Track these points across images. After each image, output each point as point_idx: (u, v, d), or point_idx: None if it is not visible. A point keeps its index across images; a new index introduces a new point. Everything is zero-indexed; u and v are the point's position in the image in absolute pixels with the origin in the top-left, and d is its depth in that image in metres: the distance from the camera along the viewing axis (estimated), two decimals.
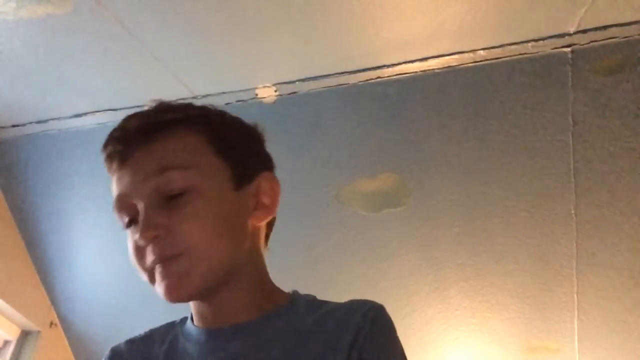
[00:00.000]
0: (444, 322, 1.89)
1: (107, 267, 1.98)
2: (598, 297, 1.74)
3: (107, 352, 0.76)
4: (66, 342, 2.16)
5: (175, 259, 0.63)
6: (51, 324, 2.09)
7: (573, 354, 1.87)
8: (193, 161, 0.66)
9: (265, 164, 0.75)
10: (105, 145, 0.69)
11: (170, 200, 0.64)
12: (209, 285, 0.65)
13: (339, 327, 0.66)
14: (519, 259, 1.73)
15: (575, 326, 1.81)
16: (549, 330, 1.84)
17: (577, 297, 1.76)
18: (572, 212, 1.62)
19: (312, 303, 0.72)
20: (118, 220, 0.69)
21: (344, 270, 1.80)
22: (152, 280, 0.66)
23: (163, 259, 0.63)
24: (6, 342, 2.03)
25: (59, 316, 2.11)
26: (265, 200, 0.71)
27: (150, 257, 0.64)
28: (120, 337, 0.78)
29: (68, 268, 2.01)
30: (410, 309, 1.87)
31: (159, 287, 0.64)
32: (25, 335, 2.06)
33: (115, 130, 0.70)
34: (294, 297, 0.73)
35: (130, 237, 0.66)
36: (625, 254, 1.66)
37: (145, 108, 0.73)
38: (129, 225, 0.67)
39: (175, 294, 0.64)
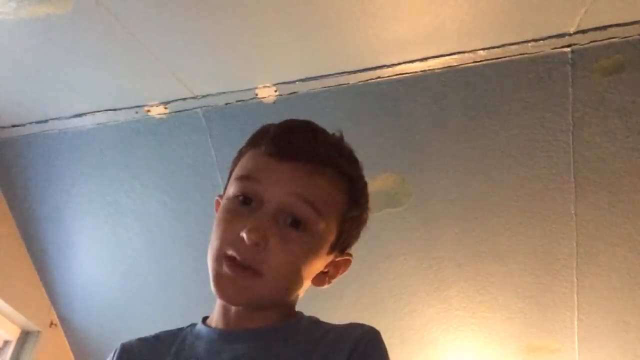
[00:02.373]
0: (444, 322, 1.89)
1: (107, 267, 1.98)
2: (598, 297, 1.74)
3: (117, 346, 0.78)
4: (66, 342, 2.16)
5: (254, 274, 0.67)
6: (51, 324, 2.09)
7: (573, 354, 1.87)
8: (328, 214, 0.70)
9: (352, 245, 0.79)
10: (289, 134, 0.72)
11: (289, 224, 0.68)
12: (259, 305, 0.70)
13: (337, 345, 0.69)
14: (519, 259, 1.73)
15: (575, 326, 1.81)
16: (549, 330, 1.84)
17: (577, 297, 1.76)
18: (572, 212, 1.62)
19: (315, 322, 0.77)
20: (234, 183, 0.71)
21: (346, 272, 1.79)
22: (217, 259, 0.68)
23: (244, 266, 0.67)
24: (6, 342, 2.03)
25: (59, 316, 2.11)
26: (330, 271, 0.76)
27: (238, 250, 0.66)
28: (120, 337, 0.78)
29: (68, 268, 2.01)
30: (410, 309, 1.87)
31: (217, 277, 0.68)
32: (25, 335, 2.06)
33: (303, 132, 0.73)
34: (300, 316, 0.77)
35: (232, 211, 0.69)
36: (625, 254, 1.66)
37: (336, 135, 0.76)
38: (243, 200, 0.69)
39: (222, 294, 0.68)
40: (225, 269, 0.67)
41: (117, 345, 0.78)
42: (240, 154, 0.76)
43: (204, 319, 0.77)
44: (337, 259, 0.76)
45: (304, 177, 0.69)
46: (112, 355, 0.77)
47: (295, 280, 0.70)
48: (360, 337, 0.69)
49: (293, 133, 0.72)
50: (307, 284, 0.74)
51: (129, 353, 0.76)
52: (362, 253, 1.78)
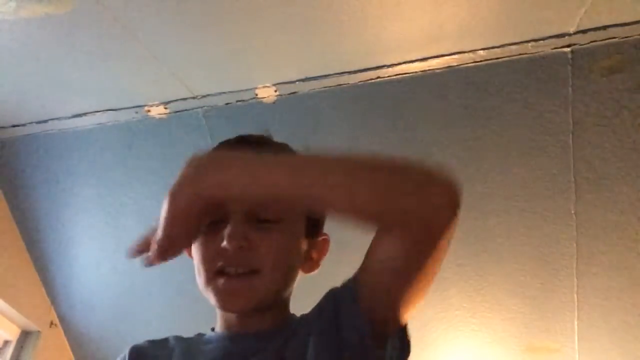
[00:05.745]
0: (444, 322, 1.89)
1: (107, 267, 1.98)
2: (598, 297, 1.74)
3: (126, 349, 0.79)
4: (66, 342, 2.16)
5: (248, 276, 0.70)
6: (51, 324, 2.09)
7: (573, 354, 1.87)
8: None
9: (324, 225, 0.83)
10: (220, 148, 0.78)
11: (260, 222, 0.71)
12: (260, 306, 0.72)
13: (315, 324, 0.71)
14: (519, 259, 1.73)
15: (575, 326, 1.81)
16: (549, 330, 1.84)
17: (577, 297, 1.76)
18: (572, 212, 1.62)
19: (301, 318, 0.79)
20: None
21: (344, 270, 1.79)
22: (209, 281, 0.71)
23: (239, 273, 0.69)
24: (6, 342, 2.03)
25: (59, 316, 2.11)
26: (314, 255, 0.80)
27: (226, 261, 0.70)
28: (119, 337, 0.79)
29: (68, 268, 2.01)
30: None
31: (218, 294, 0.70)
32: (25, 335, 2.06)
33: (231, 141, 0.79)
34: (293, 316, 0.80)
35: (205, 235, 0.71)
36: (625, 254, 1.66)
37: (255, 135, 0.81)
38: (210, 223, 0.71)
39: (230, 306, 0.72)
40: (222, 281, 0.70)
41: (126, 349, 0.79)
42: None
43: (212, 330, 0.80)
44: (316, 240, 0.80)
45: None
46: (122, 356, 0.78)
47: (287, 270, 0.74)
48: (323, 306, 0.72)
49: (223, 147, 0.78)
50: (296, 274, 0.77)
51: (139, 354, 0.77)
52: (362, 253, 1.78)
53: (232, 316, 0.75)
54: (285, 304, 0.78)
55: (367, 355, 0.65)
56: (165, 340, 0.79)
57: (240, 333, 0.74)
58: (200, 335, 0.80)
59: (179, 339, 0.79)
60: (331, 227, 0.81)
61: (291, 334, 0.72)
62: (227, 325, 0.76)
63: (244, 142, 0.79)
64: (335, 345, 0.66)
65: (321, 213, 0.78)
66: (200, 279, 0.73)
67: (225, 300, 0.70)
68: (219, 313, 0.77)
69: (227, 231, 0.69)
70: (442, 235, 0.62)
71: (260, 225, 0.71)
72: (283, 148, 0.81)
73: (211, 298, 0.71)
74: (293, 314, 0.79)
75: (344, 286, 0.70)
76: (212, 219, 0.71)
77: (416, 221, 0.60)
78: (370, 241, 0.66)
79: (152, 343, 0.79)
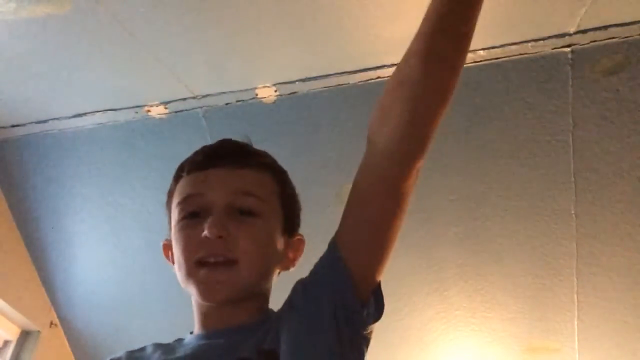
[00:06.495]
0: (444, 322, 1.89)
1: (107, 267, 1.98)
2: (598, 297, 1.74)
3: None
4: (66, 342, 2.15)
5: (229, 266, 0.72)
6: (51, 324, 2.09)
7: (573, 354, 1.87)
8: (267, 197, 0.78)
9: (299, 226, 0.87)
10: (202, 150, 0.82)
11: (240, 214, 0.75)
12: (241, 297, 0.74)
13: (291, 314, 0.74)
14: (519, 259, 1.73)
15: (575, 326, 1.81)
16: (549, 330, 1.84)
17: (577, 297, 1.76)
18: (572, 212, 1.62)
19: (278, 313, 0.81)
20: (177, 209, 0.77)
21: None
22: (190, 273, 0.73)
23: (219, 262, 0.72)
24: (6, 342, 2.03)
25: (59, 316, 2.11)
26: (291, 255, 0.82)
27: (207, 251, 0.72)
28: (119, 337, 0.79)
29: (68, 268, 2.01)
30: (410, 309, 1.87)
31: (200, 285, 0.72)
32: (25, 335, 2.05)
33: (211, 144, 0.83)
34: (272, 311, 0.81)
35: (186, 227, 0.75)
36: (625, 254, 1.66)
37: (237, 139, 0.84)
38: (191, 216, 0.75)
39: (212, 296, 0.73)
40: (202, 272, 0.72)
41: None
42: (170, 194, 0.83)
43: (190, 333, 0.80)
44: (292, 240, 0.82)
45: (233, 175, 0.77)
46: None
47: (265, 262, 0.76)
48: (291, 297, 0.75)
49: (204, 149, 0.82)
50: (275, 269, 0.79)
51: None
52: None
53: (210, 311, 0.76)
54: (264, 298, 0.80)
55: (352, 316, 0.69)
56: (143, 348, 0.80)
57: (219, 329, 0.75)
58: (179, 340, 0.80)
59: (157, 345, 0.80)
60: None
61: (270, 327, 0.73)
62: (206, 323, 0.76)
63: (224, 147, 0.82)
64: (316, 323, 0.69)
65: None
66: (181, 271, 0.75)
67: (206, 290, 0.72)
68: (197, 311, 0.78)
69: (208, 221, 0.72)
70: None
71: (241, 218, 0.74)
72: (264, 155, 0.84)
73: (192, 290, 0.73)
74: (272, 310, 0.80)
75: (322, 257, 0.74)
76: (190, 210, 0.75)
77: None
78: (354, 192, 0.73)
79: (130, 353, 0.80)
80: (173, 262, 0.80)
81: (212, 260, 0.72)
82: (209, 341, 0.74)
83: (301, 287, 0.74)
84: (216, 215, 0.73)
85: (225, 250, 0.72)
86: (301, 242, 0.84)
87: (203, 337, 0.76)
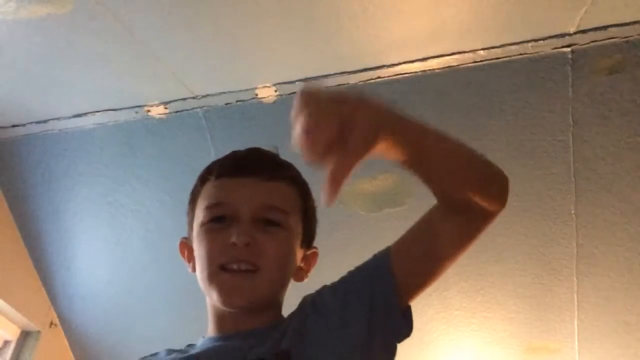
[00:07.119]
0: (444, 322, 1.89)
1: (107, 267, 1.98)
2: (598, 297, 1.74)
3: None
4: (66, 342, 2.15)
5: (251, 274, 0.74)
6: (51, 324, 2.09)
7: (573, 354, 1.87)
8: (291, 210, 0.81)
9: (314, 239, 0.89)
10: (232, 156, 0.85)
11: (265, 225, 0.78)
12: (258, 305, 0.76)
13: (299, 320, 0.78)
14: (519, 259, 1.73)
15: (575, 326, 1.81)
16: (549, 330, 1.84)
17: (577, 297, 1.76)
18: (572, 212, 1.62)
19: (288, 317, 0.83)
20: (203, 212, 0.79)
21: (344, 270, 1.79)
22: (213, 276, 0.75)
23: (243, 269, 0.74)
24: (6, 342, 2.03)
25: (59, 316, 2.11)
26: (305, 267, 0.85)
27: (232, 257, 0.74)
28: (120, 337, 0.79)
29: (68, 268, 2.01)
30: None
31: (221, 290, 0.74)
32: (25, 335, 2.05)
33: (241, 152, 0.86)
34: (284, 317, 0.83)
35: (211, 231, 0.78)
36: (625, 254, 1.66)
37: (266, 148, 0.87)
38: (217, 220, 0.78)
39: (233, 301, 0.75)
40: (225, 276, 0.74)
41: None
42: (194, 194, 0.85)
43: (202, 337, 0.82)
44: (307, 253, 0.85)
45: (261, 187, 0.80)
46: None
47: (285, 272, 0.79)
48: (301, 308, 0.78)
49: (235, 155, 0.85)
50: (290, 279, 0.82)
51: None
52: (362, 253, 1.78)
53: (227, 316, 0.77)
54: (278, 307, 0.82)
55: (388, 322, 0.73)
56: (156, 354, 0.81)
57: (234, 332, 0.76)
58: (190, 345, 0.82)
59: (170, 351, 0.81)
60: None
61: (285, 329, 0.74)
62: (220, 328, 0.78)
63: (254, 157, 0.84)
64: (348, 325, 0.72)
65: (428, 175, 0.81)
66: (203, 274, 0.76)
67: (227, 295, 0.74)
68: (212, 314, 0.79)
69: (237, 229, 0.75)
70: (491, 221, 0.79)
71: (266, 229, 0.77)
72: (291, 168, 0.86)
73: (213, 294, 0.75)
74: (283, 315, 0.82)
75: (367, 264, 0.79)
76: (218, 215, 0.78)
77: (486, 203, 0.74)
78: (425, 216, 0.78)
79: (142, 359, 0.81)
80: (188, 261, 0.82)
81: (235, 267, 0.74)
82: (224, 342, 0.76)
83: (329, 290, 0.77)
84: (245, 224, 0.76)
85: (250, 257, 0.75)
86: (315, 255, 0.87)
87: (218, 339, 0.77)
